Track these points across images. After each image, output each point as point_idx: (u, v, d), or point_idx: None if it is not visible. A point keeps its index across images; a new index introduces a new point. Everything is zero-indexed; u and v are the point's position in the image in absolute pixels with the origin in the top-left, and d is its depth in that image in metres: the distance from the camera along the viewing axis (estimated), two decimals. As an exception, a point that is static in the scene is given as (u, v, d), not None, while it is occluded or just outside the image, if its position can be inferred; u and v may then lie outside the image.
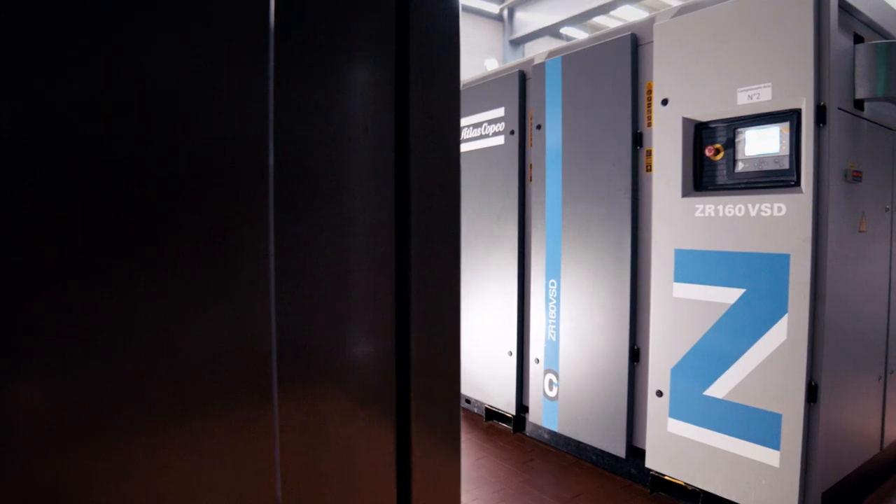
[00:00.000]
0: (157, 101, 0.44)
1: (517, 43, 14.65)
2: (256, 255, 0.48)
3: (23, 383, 0.41)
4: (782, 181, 2.30)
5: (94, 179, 0.42)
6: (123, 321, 0.44)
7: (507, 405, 3.62)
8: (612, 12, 13.12)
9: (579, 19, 12.50)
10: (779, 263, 2.26)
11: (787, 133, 2.28)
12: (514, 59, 4.09)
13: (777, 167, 2.32)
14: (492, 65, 13.07)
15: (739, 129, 2.43)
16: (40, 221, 0.41)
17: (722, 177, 2.49)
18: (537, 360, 3.36)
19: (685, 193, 2.58)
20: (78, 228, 0.42)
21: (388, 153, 0.57)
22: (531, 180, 3.42)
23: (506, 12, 14.56)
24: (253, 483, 0.49)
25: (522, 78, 3.47)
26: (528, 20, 14.09)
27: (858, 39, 2.44)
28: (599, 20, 13.94)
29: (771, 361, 2.29)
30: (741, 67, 2.35)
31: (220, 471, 0.47)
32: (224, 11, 0.46)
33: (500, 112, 3.60)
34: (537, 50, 3.39)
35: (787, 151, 2.29)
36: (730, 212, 2.41)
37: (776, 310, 2.27)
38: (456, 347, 0.62)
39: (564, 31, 14.51)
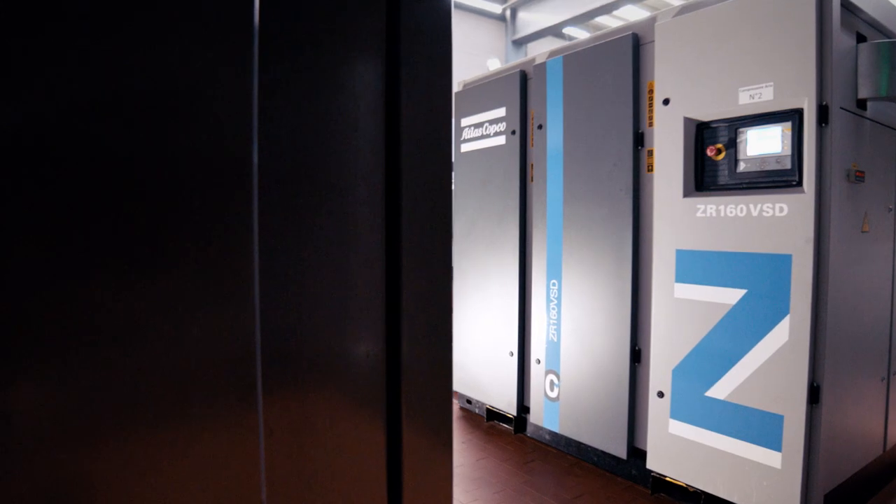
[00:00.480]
0: (133, 103, 0.44)
1: (520, 43, 14.64)
2: (240, 256, 0.48)
3: (5, 386, 0.41)
4: (784, 181, 2.29)
5: (74, 182, 0.42)
6: (104, 323, 0.43)
7: (508, 406, 3.61)
8: (615, 12, 13.10)
9: (582, 19, 12.49)
10: (781, 264, 2.25)
11: (788, 133, 2.27)
12: (517, 60, 4.08)
13: (779, 167, 2.31)
14: (494, 65, 13.05)
15: (741, 129, 2.42)
16: (20, 223, 0.41)
17: (723, 177, 2.48)
18: (538, 361, 3.35)
19: (686, 193, 2.57)
20: (56, 231, 0.41)
21: (378, 153, 0.56)
22: (532, 180, 3.41)
23: (508, 12, 14.55)
24: (237, 486, 0.48)
25: (524, 78, 3.47)
26: (530, 20, 14.08)
27: (861, 38, 2.43)
28: (602, 20, 13.92)
29: (773, 362, 2.28)
30: (743, 67, 2.34)
31: (203, 473, 0.47)
32: (204, 8, 0.45)
33: (501, 112, 3.59)
34: (540, 50, 3.38)
35: (788, 151, 2.27)
36: (731, 212, 2.40)
37: (778, 310, 2.26)
38: (448, 347, 0.62)
39: (567, 31, 14.49)
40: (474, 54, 13.89)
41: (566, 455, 3.30)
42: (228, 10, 0.46)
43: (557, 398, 3.22)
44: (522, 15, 14.34)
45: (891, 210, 2.73)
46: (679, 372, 2.60)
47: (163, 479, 0.45)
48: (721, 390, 2.45)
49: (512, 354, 3.56)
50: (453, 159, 4.14)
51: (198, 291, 0.46)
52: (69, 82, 0.41)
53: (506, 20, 14.75)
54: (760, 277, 2.31)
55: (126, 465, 0.44)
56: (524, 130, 3.46)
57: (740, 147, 2.43)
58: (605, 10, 12.04)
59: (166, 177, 0.45)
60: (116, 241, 0.43)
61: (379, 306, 0.58)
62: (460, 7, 14.33)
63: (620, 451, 2.89)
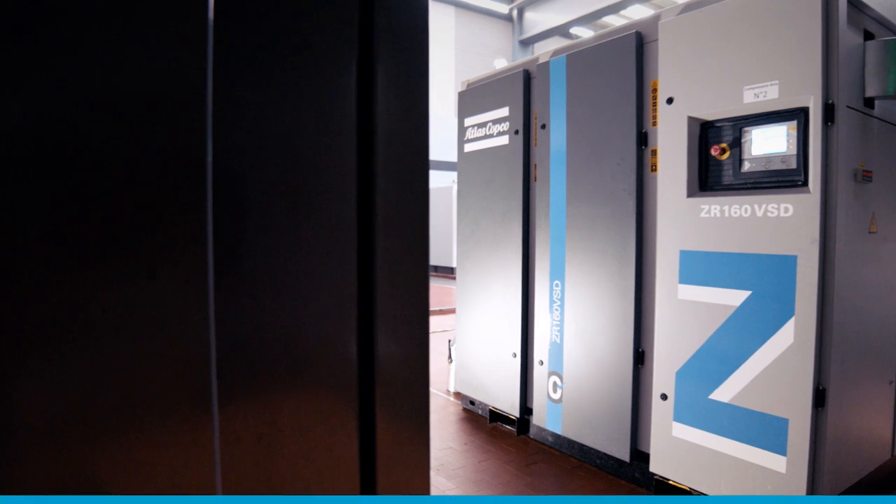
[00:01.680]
0: (78, 102, 0.42)
1: (526, 43, 14.63)
2: (193, 257, 0.46)
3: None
4: (789, 181, 2.25)
5: (22, 185, 0.41)
6: (43, 328, 0.42)
7: (511, 407, 3.58)
8: (622, 12, 13.06)
9: (589, 19, 12.46)
10: (786, 265, 2.22)
11: (794, 132, 2.24)
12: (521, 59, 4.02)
13: (784, 167, 2.27)
14: (501, 65, 13.03)
15: (746, 128, 2.39)
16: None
17: (728, 177, 2.45)
18: (541, 362, 3.33)
19: (690, 194, 2.54)
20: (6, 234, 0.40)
21: (350, 153, 0.55)
22: (535, 180, 3.39)
23: (515, 12, 14.54)
24: (191, 492, 0.46)
25: (527, 77, 3.44)
26: (537, 20, 14.06)
27: (869, 36, 2.39)
28: (609, 20, 13.87)
29: (777, 365, 2.24)
30: (747, 65, 2.31)
31: (156, 481, 0.45)
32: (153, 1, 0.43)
33: (504, 112, 3.57)
34: (546, 50, 3.37)
35: (794, 151, 2.24)
36: (736, 212, 2.37)
37: (783, 312, 2.23)
38: (425, 347, 0.60)
39: (574, 30, 14.45)
40: (481, 54, 13.89)
41: (569, 457, 3.27)
42: (180, 4, 0.44)
43: (560, 400, 3.20)
44: (529, 15, 14.32)
45: (899, 210, 2.68)
46: (683, 374, 2.57)
47: (111, 487, 0.44)
48: (725, 393, 2.41)
49: (515, 356, 3.53)
50: (456, 159, 4.11)
51: (146, 294, 0.45)
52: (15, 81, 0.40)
53: (513, 20, 14.74)
54: (765, 279, 2.28)
55: (74, 473, 0.42)
56: (527, 130, 3.44)
57: (745, 146, 2.40)
58: (611, 9, 12.01)
59: (114, 178, 0.43)
60: (60, 243, 0.42)
61: (352, 307, 0.56)
62: (467, 7, 14.33)
63: (623, 454, 2.86)
